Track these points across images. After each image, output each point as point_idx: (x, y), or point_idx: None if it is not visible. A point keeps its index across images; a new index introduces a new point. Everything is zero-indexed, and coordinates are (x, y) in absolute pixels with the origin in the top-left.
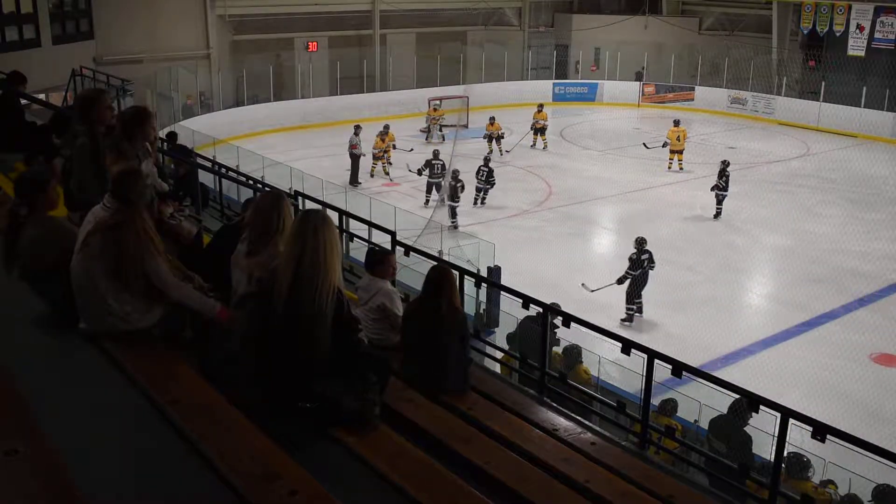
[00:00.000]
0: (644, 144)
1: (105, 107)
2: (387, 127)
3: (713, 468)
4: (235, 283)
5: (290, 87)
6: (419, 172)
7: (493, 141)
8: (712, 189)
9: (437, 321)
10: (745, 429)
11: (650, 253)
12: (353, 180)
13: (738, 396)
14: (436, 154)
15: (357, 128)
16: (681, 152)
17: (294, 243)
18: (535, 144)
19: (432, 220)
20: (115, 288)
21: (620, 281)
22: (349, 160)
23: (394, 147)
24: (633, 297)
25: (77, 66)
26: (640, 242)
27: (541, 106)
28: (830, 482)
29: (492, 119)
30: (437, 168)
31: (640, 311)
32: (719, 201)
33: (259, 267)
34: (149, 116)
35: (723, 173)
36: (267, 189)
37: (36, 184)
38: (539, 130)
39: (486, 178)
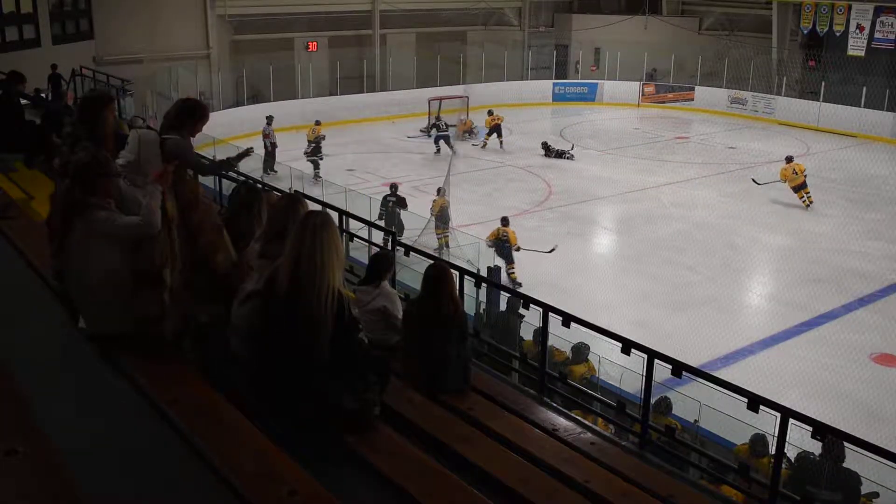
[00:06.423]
0: (753, 181)
1: (112, 113)
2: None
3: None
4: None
5: (291, 87)
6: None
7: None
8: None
9: (437, 319)
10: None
11: None
12: (269, 168)
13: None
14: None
15: (269, 118)
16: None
17: (293, 244)
18: (485, 146)
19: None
20: (114, 288)
21: None
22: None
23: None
24: None
25: (77, 66)
26: None
27: (490, 111)
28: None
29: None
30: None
31: None
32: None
33: (269, 269)
34: (206, 111)
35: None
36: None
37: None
38: (494, 131)
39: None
